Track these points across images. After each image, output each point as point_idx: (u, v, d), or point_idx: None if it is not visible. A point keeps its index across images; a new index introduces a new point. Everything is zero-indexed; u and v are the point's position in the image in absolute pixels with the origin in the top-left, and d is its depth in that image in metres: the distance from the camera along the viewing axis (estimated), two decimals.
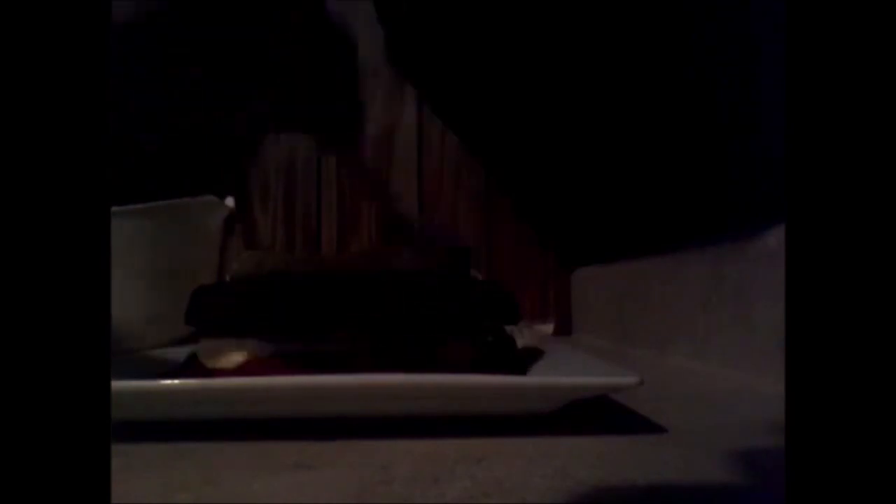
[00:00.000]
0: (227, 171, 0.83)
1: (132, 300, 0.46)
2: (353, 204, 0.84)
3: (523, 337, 0.41)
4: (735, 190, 0.47)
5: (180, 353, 0.33)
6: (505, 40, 0.82)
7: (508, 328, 0.35)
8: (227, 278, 0.32)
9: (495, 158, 0.84)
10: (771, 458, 0.22)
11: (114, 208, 0.49)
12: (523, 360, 0.34)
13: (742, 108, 0.46)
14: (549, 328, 0.83)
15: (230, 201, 0.60)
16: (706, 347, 0.46)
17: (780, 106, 0.39)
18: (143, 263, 0.49)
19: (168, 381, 0.25)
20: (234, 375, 0.28)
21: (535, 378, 0.30)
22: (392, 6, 0.83)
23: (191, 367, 0.30)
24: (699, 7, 0.53)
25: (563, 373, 0.30)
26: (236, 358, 0.28)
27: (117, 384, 0.22)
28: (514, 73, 0.83)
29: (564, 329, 0.83)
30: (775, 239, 0.38)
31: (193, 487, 0.19)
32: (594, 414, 0.29)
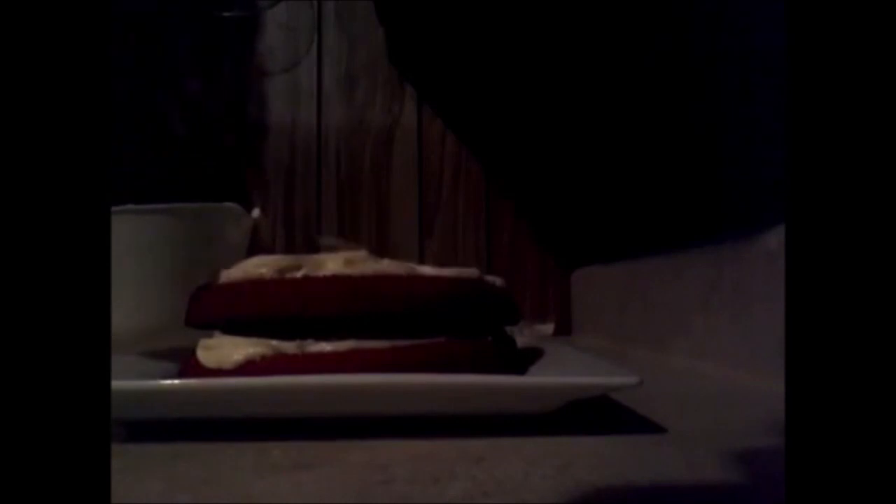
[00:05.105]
0: (226, 172, 0.83)
1: (153, 299, 0.46)
2: (353, 204, 0.84)
3: (523, 337, 0.41)
4: (734, 190, 0.47)
5: (180, 353, 0.32)
6: (505, 40, 0.82)
7: (508, 328, 0.35)
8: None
9: (495, 158, 0.84)
10: (771, 458, 0.22)
11: (141, 206, 0.49)
12: (523, 360, 0.34)
13: (741, 107, 0.46)
14: (549, 328, 0.83)
15: (256, 212, 0.60)
16: (706, 347, 0.46)
17: (779, 106, 0.39)
18: (166, 262, 0.48)
19: (168, 381, 0.25)
20: (234, 375, 0.27)
21: (535, 378, 0.30)
22: (392, 6, 0.83)
23: (191, 367, 0.30)
24: (698, 8, 0.53)
25: (563, 373, 0.30)
26: (236, 358, 0.28)
27: (117, 384, 0.22)
28: (515, 73, 0.83)
29: (564, 329, 0.83)
30: (775, 239, 0.38)
31: (194, 487, 0.19)
32: (594, 414, 0.28)
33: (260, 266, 0.30)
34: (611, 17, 0.73)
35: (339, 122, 0.85)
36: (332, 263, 0.30)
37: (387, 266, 0.30)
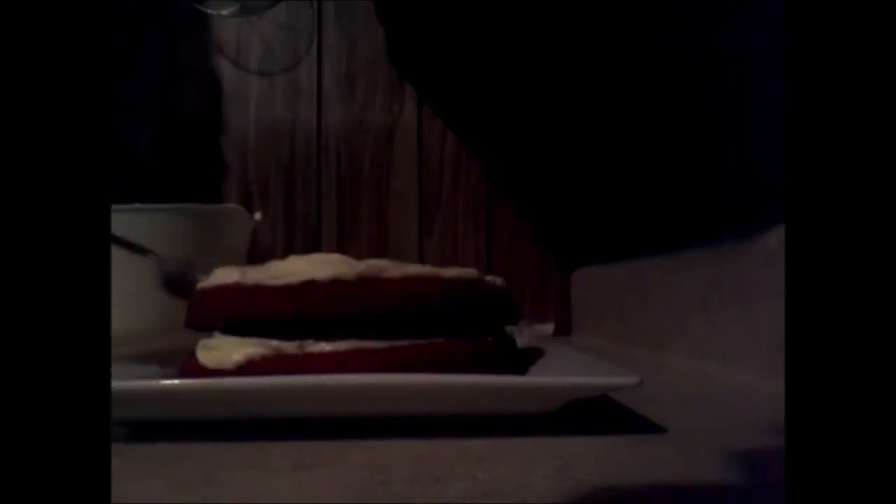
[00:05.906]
0: (227, 171, 0.83)
1: (153, 299, 0.46)
2: (353, 204, 0.84)
3: (523, 337, 0.41)
4: (734, 190, 0.47)
5: (180, 353, 0.32)
6: (505, 40, 0.82)
7: (508, 328, 0.35)
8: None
9: (495, 158, 0.84)
10: (771, 458, 0.22)
11: (142, 206, 0.49)
12: (523, 360, 0.34)
13: (741, 107, 0.46)
14: (549, 328, 0.83)
15: (258, 216, 0.61)
16: (706, 347, 0.46)
17: (779, 106, 0.39)
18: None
19: (168, 381, 0.25)
20: (234, 375, 0.27)
21: (535, 378, 0.30)
22: (392, 6, 0.83)
23: (191, 367, 0.30)
24: (698, 8, 0.53)
25: (563, 373, 0.30)
26: (236, 358, 0.28)
27: (117, 384, 0.22)
28: (515, 73, 0.83)
29: (564, 329, 0.83)
30: (775, 239, 0.38)
31: (194, 488, 0.19)
32: (594, 414, 0.29)
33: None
34: (611, 16, 0.73)
35: (339, 121, 0.85)
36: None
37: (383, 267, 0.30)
